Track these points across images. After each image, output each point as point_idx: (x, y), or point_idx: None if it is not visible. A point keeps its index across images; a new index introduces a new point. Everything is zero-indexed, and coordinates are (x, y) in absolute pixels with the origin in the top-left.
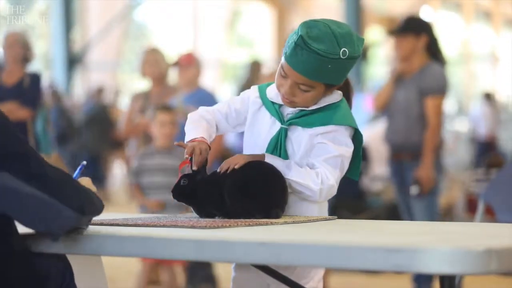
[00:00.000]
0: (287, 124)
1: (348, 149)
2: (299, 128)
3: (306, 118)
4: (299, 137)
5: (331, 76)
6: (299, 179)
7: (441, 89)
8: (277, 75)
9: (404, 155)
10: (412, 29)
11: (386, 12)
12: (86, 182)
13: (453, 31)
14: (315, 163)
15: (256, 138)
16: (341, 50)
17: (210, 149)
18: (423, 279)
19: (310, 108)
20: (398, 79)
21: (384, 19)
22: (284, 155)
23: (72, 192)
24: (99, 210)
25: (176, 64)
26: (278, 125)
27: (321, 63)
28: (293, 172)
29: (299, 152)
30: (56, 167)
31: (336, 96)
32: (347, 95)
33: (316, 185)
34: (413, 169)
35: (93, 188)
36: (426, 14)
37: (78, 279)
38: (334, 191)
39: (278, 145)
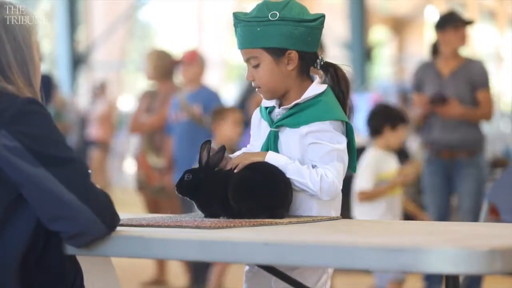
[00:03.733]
0: (275, 126)
1: (340, 142)
2: (288, 129)
3: (292, 118)
4: (289, 138)
5: (265, 39)
6: (298, 178)
7: (489, 82)
8: None
9: (460, 153)
10: (465, 22)
11: (391, 12)
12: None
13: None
14: (313, 163)
15: (259, 147)
16: (270, 13)
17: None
18: (434, 280)
19: (292, 105)
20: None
21: (389, 19)
22: None
23: (105, 207)
24: (117, 225)
25: (180, 61)
26: (268, 131)
27: (250, 29)
28: (293, 171)
29: (292, 154)
30: (94, 183)
31: (318, 87)
32: (342, 90)
33: (315, 184)
34: (468, 166)
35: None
36: (430, 14)
37: (89, 281)
38: (336, 188)
39: (269, 149)
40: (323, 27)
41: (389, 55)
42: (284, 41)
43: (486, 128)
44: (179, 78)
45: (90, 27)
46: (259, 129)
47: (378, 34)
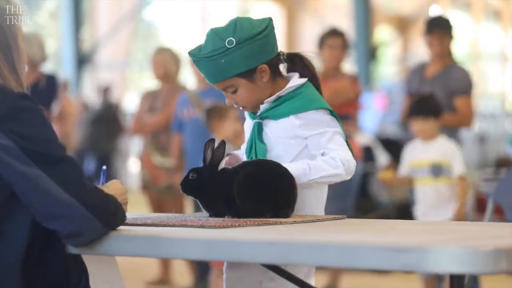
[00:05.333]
0: (259, 118)
1: (335, 126)
2: (272, 121)
3: (275, 110)
4: (272, 129)
5: (233, 68)
6: (322, 173)
7: (469, 89)
8: None
9: None
10: (450, 28)
11: (395, 12)
12: (115, 184)
13: (462, 30)
14: (322, 150)
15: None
16: (226, 41)
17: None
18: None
19: (274, 97)
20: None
21: (393, 18)
22: (260, 150)
23: (102, 206)
24: (120, 224)
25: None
26: (253, 123)
27: (214, 63)
28: (313, 172)
29: (276, 145)
30: (90, 182)
31: (299, 80)
32: (314, 75)
33: (338, 169)
34: None
35: (122, 189)
36: (435, 13)
37: (93, 281)
38: (354, 164)
39: (253, 140)
40: (274, 28)
41: (393, 54)
42: (250, 62)
43: (491, 127)
44: (184, 78)
45: (95, 27)
46: (246, 122)
47: (383, 33)
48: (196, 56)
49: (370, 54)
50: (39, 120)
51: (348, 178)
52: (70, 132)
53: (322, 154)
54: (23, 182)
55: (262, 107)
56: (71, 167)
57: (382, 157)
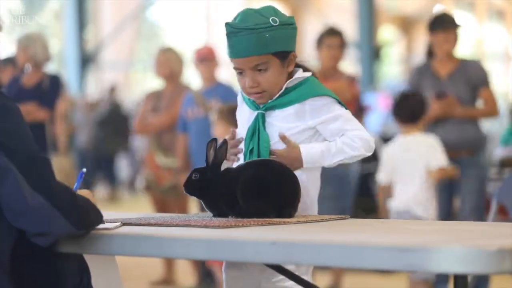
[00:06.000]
0: (263, 109)
1: (346, 110)
2: (277, 110)
3: (281, 99)
4: (278, 118)
5: (275, 44)
6: (341, 157)
7: (489, 80)
8: (237, 80)
9: (461, 152)
10: (456, 25)
11: (399, 12)
12: (86, 193)
13: (466, 30)
14: (340, 133)
15: (240, 130)
16: (270, 19)
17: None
18: (439, 280)
19: (283, 89)
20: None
21: (397, 18)
22: (263, 141)
23: (70, 206)
24: (95, 224)
25: (198, 58)
26: (255, 113)
27: (257, 36)
28: (330, 156)
29: (279, 133)
30: (60, 181)
31: (304, 73)
32: None
33: (357, 150)
34: (470, 166)
35: (92, 199)
36: (439, 11)
37: (92, 280)
38: (372, 140)
39: (256, 131)
40: None
41: (397, 54)
42: (287, 44)
43: (494, 127)
44: (188, 78)
45: (99, 27)
46: (240, 111)
47: (387, 33)
48: (237, 27)
49: (374, 54)
50: (13, 117)
51: (369, 154)
52: (61, 132)
53: (341, 136)
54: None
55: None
56: (42, 165)
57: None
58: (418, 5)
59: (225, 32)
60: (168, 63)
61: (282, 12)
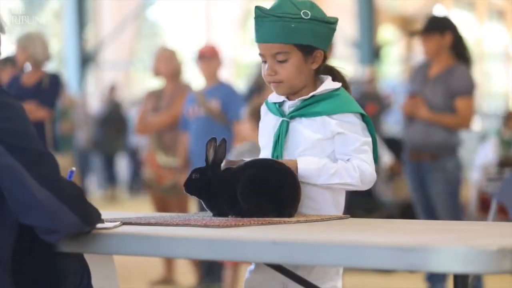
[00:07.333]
0: (289, 117)
1: (368, 136)
2: (303, 119)
3: (308, 108)
4: (301, 128)
5: (299, 36)
6: (336, 180)
7: (469, 90)
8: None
9: (424, 156)
10: (437, 28)
11: (399, 11)
12: None
13: (466, 30)
14: (347, 155)
15: (265, 139)
16: (302, 12)
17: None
18: (436, 279)
19: (309, 96)
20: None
21: (397, 18)
22: (288, 148)
23: (78, 201)
24: (98, 221)
25: (200, 56)
26: (280, 120)
27: (283, 24)
28: (326, 176)
29: (302, 143)
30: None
31: (333, 83)
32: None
33: (354, 179)
34: (433, 170)
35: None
36: (438, 13)
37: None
38: (374, 177)
39: (280, 138)
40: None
41: (397, 54)
42: (314, 40)
43: (494, 127)
44: (188, 77)
45: (99, 26)
46: (264, 121)
47: (387, 33)
48: (265, 12)
49: (374, 53)
50: (17, 115)
51: (364, 189)
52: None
53: (346, 159)
54: (2, 175)
55: (292, 105)
56: (48, 161)
57: (385, 157)
58: (418, 5)
59: (254, 15)
60: (169, 62)
61: (316, 5)
